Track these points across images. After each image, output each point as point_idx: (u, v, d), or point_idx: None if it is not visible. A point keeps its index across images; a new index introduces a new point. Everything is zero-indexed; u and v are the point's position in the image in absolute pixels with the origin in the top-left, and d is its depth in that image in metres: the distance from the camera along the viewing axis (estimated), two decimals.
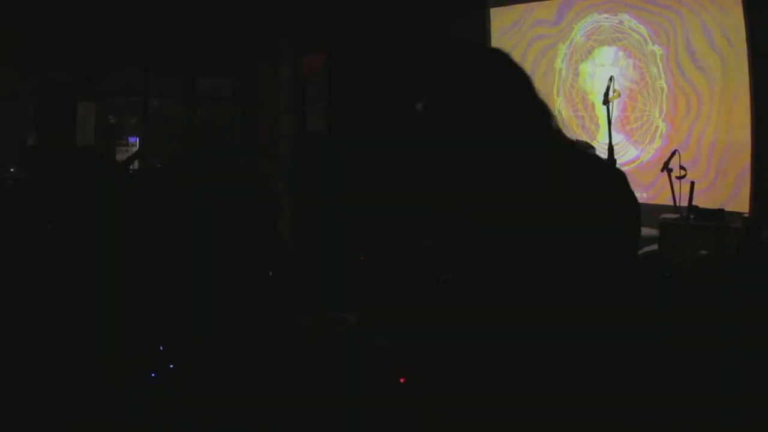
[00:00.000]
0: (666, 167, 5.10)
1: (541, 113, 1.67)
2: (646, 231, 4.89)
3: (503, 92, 1.64)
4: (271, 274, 3.41)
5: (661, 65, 6.07)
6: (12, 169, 7.23)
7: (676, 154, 5.07)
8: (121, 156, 6.29)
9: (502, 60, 1.71)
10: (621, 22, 6.31)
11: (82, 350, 2.95)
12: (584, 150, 1.73)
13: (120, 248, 3.24)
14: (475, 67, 1.68)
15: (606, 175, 1.67)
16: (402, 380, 3.22)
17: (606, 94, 4.70)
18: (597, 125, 6.48)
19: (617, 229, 1.59)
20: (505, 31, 7.16)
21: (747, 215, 4.76)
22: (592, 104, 6.52)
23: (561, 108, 6.73)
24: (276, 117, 8.63)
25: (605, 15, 6.44)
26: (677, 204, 4.95)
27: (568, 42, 6.72)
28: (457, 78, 1.67)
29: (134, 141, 8.46)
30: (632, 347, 1.59)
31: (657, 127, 6.16)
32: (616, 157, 4.80)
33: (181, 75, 8.74)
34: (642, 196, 6.11)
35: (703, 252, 4.05)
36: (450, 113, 1.66)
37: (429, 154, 1.80)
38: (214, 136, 3.16)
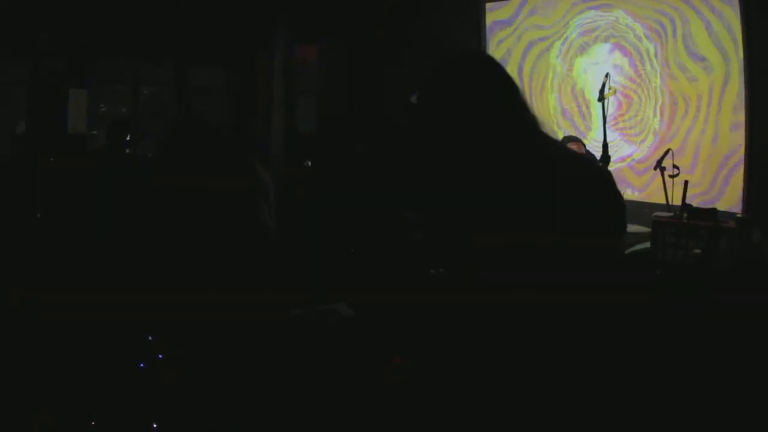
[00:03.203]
0: (659, 165, 5.11)
1: (517, 119, 1.68)
2: (638, 229, 4.90)
3: (481, 98, 1.66)
4: (262, 263, 3.39)
5: (655, 63, 6.07)
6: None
7: (669, 152, 5.09)
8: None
9: (484, 65, 1.73)
10: (616, 20, 6.31)
11: (76, 345, 2.93)
12: (567, 151, 1.74)
13: (111, 235, 3.22)
14: (455, 72, 1.71)
15: (589, 177, 1.68)
16: (395, 373, 3.22)
17: (602, 91, 4.69)
18: (591, 122, 6.48)
19: (603, 229, 1.60)
20: (500, 26, 7.14)
21: (740, 215, 4.77)
22: (587, 101, 6.52)
23: (555, 104, 6.73)
24: (267, 108, 8.61)
25: (601, 12, 6.44)
26: (670, 202, 4.96)
27: (564, 38, 6.71)
28: (437, 82, 1.71)
29: None
30: (626, 343, 1.59)
31: (651, 125, 6.17)
32: (609, 154, 4.80)
33: (172, 64, 8.71)
34: (634, 194, 6.12)
35: (696, 251, 4.05)
36: (432, 113, 1.70)
37: (416, 149, 1.85)
38: (208, 125, 3.14)
